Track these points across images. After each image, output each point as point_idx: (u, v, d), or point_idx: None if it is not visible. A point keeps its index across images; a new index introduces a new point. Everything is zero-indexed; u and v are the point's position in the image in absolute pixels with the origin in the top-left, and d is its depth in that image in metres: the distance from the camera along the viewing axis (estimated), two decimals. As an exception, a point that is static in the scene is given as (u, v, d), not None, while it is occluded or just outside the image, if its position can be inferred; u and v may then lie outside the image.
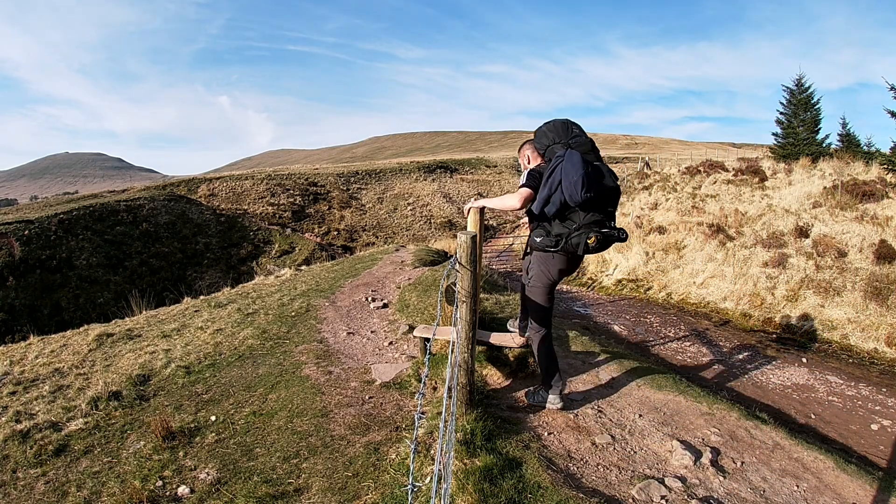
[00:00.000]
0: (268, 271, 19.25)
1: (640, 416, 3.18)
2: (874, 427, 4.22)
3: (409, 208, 31.78)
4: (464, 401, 2.85)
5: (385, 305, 6.24)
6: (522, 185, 2.84)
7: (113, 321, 6.78)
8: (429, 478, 2.43)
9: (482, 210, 3.27)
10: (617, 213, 2.85)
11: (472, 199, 3.10)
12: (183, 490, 2.70)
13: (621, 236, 2.75)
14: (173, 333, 5.58)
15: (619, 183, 2.82)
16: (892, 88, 11.15)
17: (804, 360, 5.99)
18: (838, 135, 18.31)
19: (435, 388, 3.64)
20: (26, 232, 19.39)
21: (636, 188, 19.13)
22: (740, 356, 6.07)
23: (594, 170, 2.70)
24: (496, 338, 3.79)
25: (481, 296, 5.74)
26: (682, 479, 2.48)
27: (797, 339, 6.88)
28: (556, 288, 3.08)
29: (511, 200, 2.81)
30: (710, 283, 8.99)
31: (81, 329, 6.24)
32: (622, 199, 18.15)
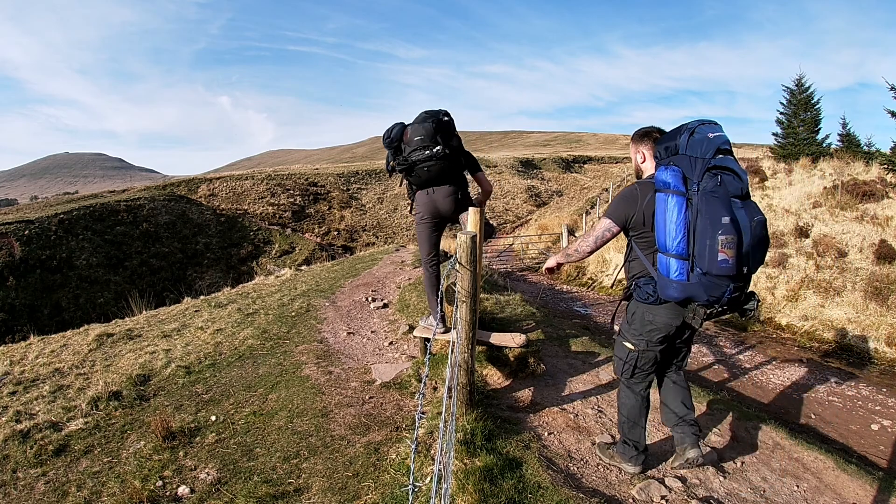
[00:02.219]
0: (268, 271, 19.25)
1: (641, 416, 3.18)
2: (874, 427, 4.22)
3: (409, 208, 31.69)
4: (464, 401, 2.86)
5: (385, 305, 6.24)
6: None
7: (113, 321, 6.78)
8: (429, 478, 2.43)
9: (482, 210, 3.27)
10: None
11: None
12: (183, 490, 2.70)
13: None
14: (173, 333, 5.58)
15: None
16: (892, 88, 11.15)
17: (804, 360, 5.98)
18: (838, 135, 18.30)
19: (435, 388, 3.64)
20: (26, 232, 19.39)
21: (636, 188, 19.11)
22: (740, 356, 6.07)
23: None
24: (496, 338, 3.79)
25: (481, 296, 5.74)
26: (683, 479, 2.49)
27: (798, 339, 6.88)
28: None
29: None
30: (711, 283, 9.01)
31: (81, 329, 6.24)
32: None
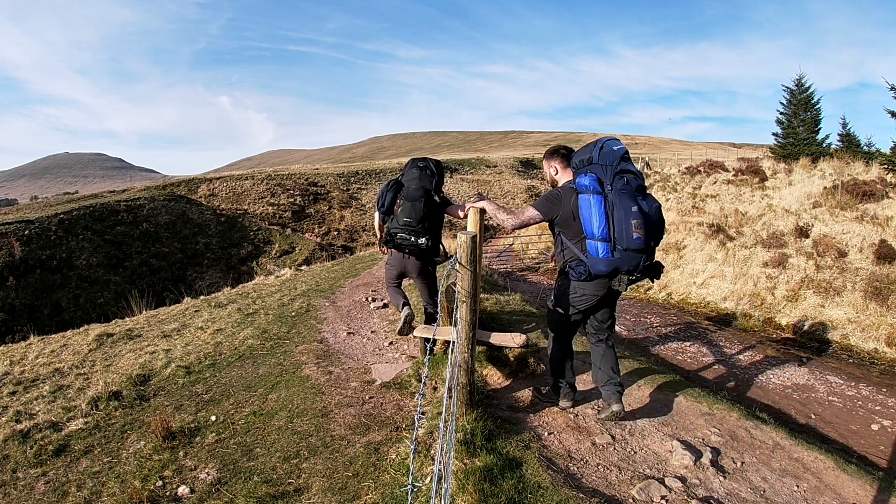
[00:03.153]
0: (268, 271, 19.25)
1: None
2: (874, 427, 4.22)
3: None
4: (464, 401, 2.85)
5: (385, 305, 6.24)
6: None
7: (113, 321, 6.78)
8: (429, 478, 2.43)
9: (482, 210, 3.28)
10: None
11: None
12: (183, 490, 2.70)
13: None
14: (173, 333, 5.58)
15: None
16: (892, 88, 11.15)
17: (804, 360, 5.99)
18: (838, 135, 18.33)
19: (435, 388, 3.64)
20: (26, 232, 19.39)
21: (636, 188, 19.12)
22: (740, 356, 6.07)
23: None
24: (496, 338, 3.79)
25: (481, 296, 5.74)
26: (683, 479, 2.48)
27: (798, 338, 6.88)
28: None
29: None
30: (711, 283, 8.99)
31: (81, 329, 6.24)
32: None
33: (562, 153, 2.98)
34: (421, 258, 3.73)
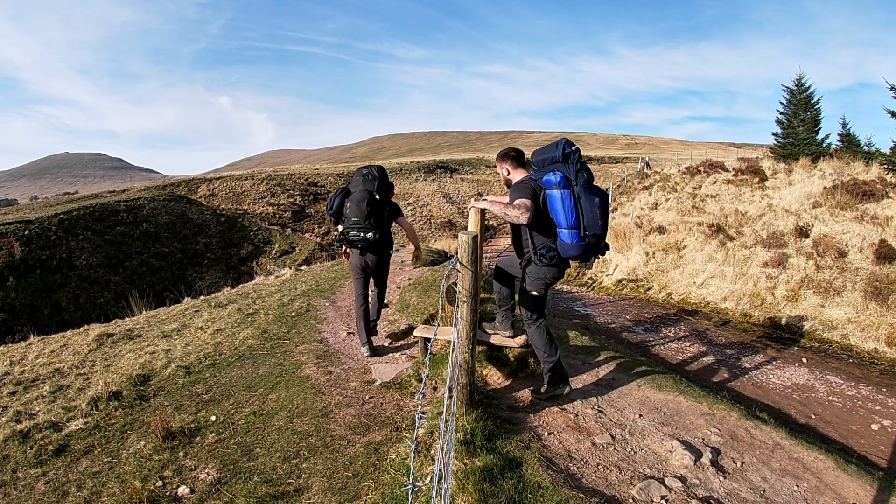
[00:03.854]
0: (268, 271, 19.25)
1: (641, 416, 3.19)
2: (874, 427, 4.22)
3: (408, 208, 31.77)
4: (464, 401, 2.85)
5: (386, 305, 6.24)
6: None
7: (113, 321, 6.78)
8: (429, 478, 2.43)
9: (483, 210, 3.28)
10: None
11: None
12: (183, 490, 2.70)
13: None
14: (173, 333, 5.58)
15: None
16: (892, 88, 11.15)
17: (804, 360, 5.99)
18: (838, 135, 18.33)
19: (435, 388, 3.64)
20: (26, 232, 19.39)
21: (636, 188, 19.13)
22: (740, 356, 6.06)
23: None
24: (497, 338, 3.79)
25: (482, 296, 5.74)
26: (683, 479, 2.48)
27: (798, 338, 6.88)
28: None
29: None
30: (711, 283, 8.99)
31: (81, 329, 6.23)
32: (623, 199, 18.18)
33: (511, 155, 3.37)
34: (375, 252, 4.23)
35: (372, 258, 4.25)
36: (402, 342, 4.87)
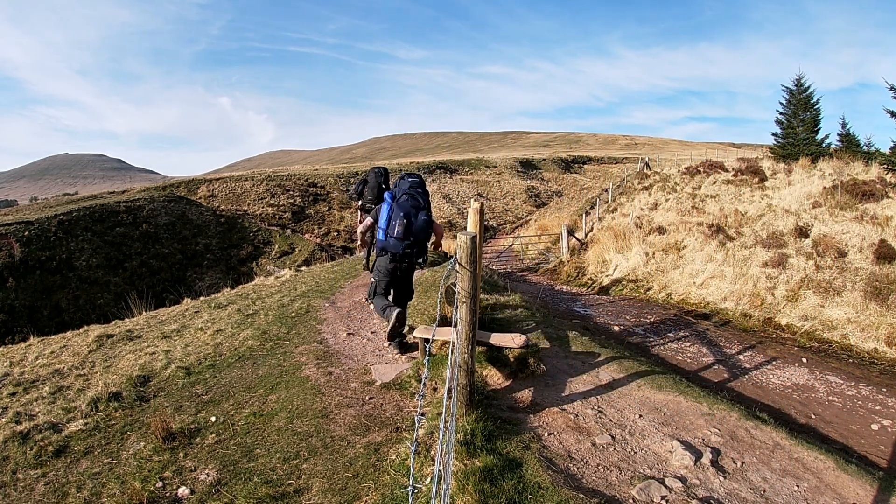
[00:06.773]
0: (268, 272, 19.24)
1: (641, 416, 3.19)
2: (874, 427, 4.22)
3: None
4: (464, 401, 2.85)
5: (385, 306, 6.24)
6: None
7: (113, 322, 6.77)
8: (429, 478, 2.43)
9: (482, 210, 3.28)
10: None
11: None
12: (183, 491, 2.70)
13: None
14: (173, 334, 5.58)
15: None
16: (891, 88, 11.17)
17: (804, 360, 5.98)
18: (838, 135, 18.32)
19: (435, 389, 3.64)
20: (26, 233, 19.38)
21: (636, 188, 19.14)
22: (740, 356, 6.06)
23: None
24: (496, 338, 3.79)
25: (481, 296, 5.74)
26: (683, 480, 2.48)
27: (797, 338, 6.88)
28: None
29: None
30: (710, 283, 8.99)
31: (81, 330, 6.23)
32: (623, 199, 18.21)
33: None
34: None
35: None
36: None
